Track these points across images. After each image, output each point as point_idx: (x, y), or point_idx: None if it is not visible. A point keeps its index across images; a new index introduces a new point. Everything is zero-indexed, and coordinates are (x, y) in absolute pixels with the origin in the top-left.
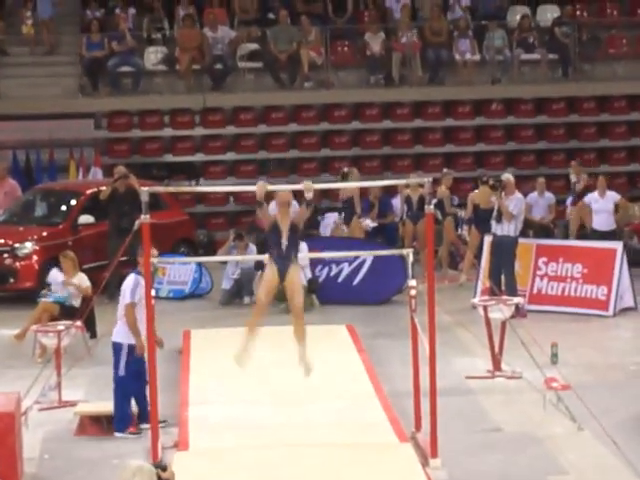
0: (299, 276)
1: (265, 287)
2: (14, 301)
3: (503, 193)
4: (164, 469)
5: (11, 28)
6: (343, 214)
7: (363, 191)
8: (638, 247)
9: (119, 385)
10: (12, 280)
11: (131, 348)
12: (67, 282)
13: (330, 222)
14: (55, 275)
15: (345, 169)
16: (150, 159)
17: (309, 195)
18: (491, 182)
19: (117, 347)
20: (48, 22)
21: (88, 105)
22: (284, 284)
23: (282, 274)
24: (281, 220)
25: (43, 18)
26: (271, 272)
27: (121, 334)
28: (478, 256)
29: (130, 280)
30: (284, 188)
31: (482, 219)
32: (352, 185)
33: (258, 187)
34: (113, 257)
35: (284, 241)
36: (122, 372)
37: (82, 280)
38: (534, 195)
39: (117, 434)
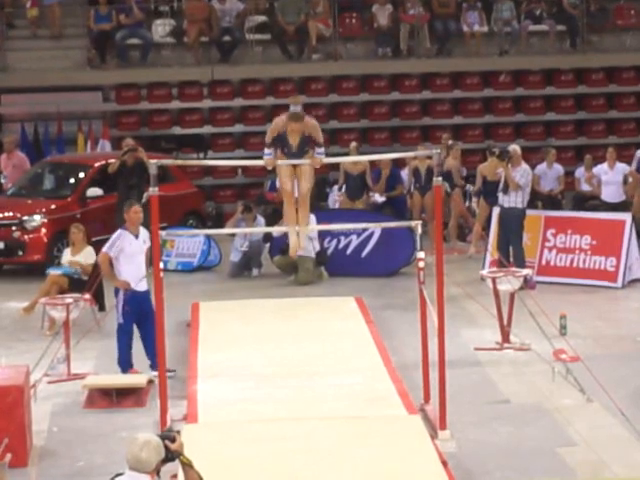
0: (311, 168)
1: (283, 179)
2: (23, 274)
3: (510, 164)
4: (172, 440)
5: (18, 1)
6: (344, 188)
7: (372, 163)
8: None
9: (118, 331)
10: (21, 253)
11: (128, 295)
12: (72, 262)
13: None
14: (65, 253)
15: (353, 143)
16: (158, 132)
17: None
18: (497, 152)
19: (115, 293)
20: (54, 6)
21: (96, 78)
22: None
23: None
24: (290, 135)
25: (49, 4)
26: (284, 168)
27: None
28: (486, 228)
29: (115, 233)
30: (292, 162)
31: (490, 191)
32: (362, 158)
33: (266, 163)
34: None
35: (293, 144)
36: (120, 319)
37: (88, 254)
38: (543, 166)
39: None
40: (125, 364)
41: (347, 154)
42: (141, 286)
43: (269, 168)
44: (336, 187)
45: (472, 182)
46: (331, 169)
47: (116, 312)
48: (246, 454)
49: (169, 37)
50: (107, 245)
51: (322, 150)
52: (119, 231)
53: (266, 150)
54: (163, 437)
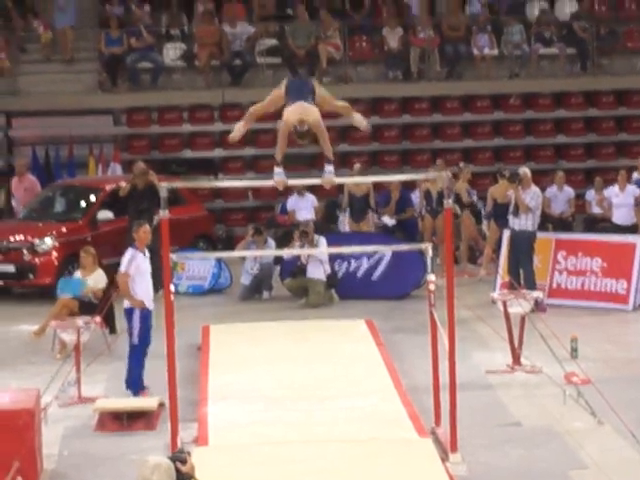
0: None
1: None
2: (34, 297)
3: (520, 187)
4: (184, 461)
5: (30, 25)
6: (349, 211)
7: (381, 185)
8: None
9: (133, 351)
10: (32, 276)
11: (143, 314)
12: (86, 290)
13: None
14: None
15: (357, 165)
16: (169, 155)
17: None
18: (507, 174)
19: (128, 313)
20: (66, 30)
21: (107, 101)
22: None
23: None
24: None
25: (60, 27)
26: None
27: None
28: (497, 250)
29: (127, 253)
30: (303, 182)
31: (500, 213)
32: (370, 180)
33: (277, 183)
34: None
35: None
36: (136, 340)
37: (99, 278)
38: (553, 189)
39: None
40: (138, 385)
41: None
42: (150, 304)
43: (280, 189)
44: (345, 211)
45: (482, 204)
46: (341, 192)
47: (130, 333)
48: (257, 477)
49: (180, 60)
50: (124, 265)
51: (331, 168)
52: (131, 250)
53: (276, 169)
54: (174, 459)
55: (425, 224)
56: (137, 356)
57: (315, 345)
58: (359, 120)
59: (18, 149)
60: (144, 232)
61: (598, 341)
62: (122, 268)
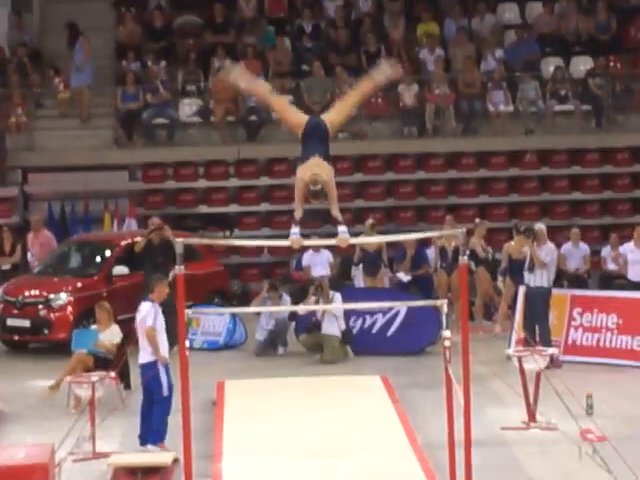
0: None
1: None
2: (49, 352)
3: (535, 243)
4: None
5: (46, 81)
6: (361, 266)
7: (396, 242)
8: None
9: (162, 404)
10: (47, 331)
11: (165, 367)
12: (98, 344)
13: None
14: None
15: (370, 220)
16: (185, 210)
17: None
18: (523, 230)
19: (151, 367)
20: (83, 89)
21: (123, 157)
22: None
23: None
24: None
25: (77, 87)
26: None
27: (144, 354)
28: (512, 307)
29: (147, 307)
30: (317, 243)
31: (516, 269)
32: (384, 239)
33: (292, 242)
34: None
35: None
36: (166, 392)
37: (114, 333)
38: (568, 246)
39: (150, 446)
40: (162, 436)
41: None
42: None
43: (295, 247)
44: (357, 266)
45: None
46: (355, 250)
47: (152, 387)
48: None
49: (196, 116)
50: (149, 320)
51: (345, 228)
52: (150, 304)
53: (293, 229)
54: None
55: (440, 280)
56: (165, 408)
57: (330, 401)
58: (384, 72)
59: (34, 204)
60: (165, 287)
61: (614, 398)
62: (149, 322)
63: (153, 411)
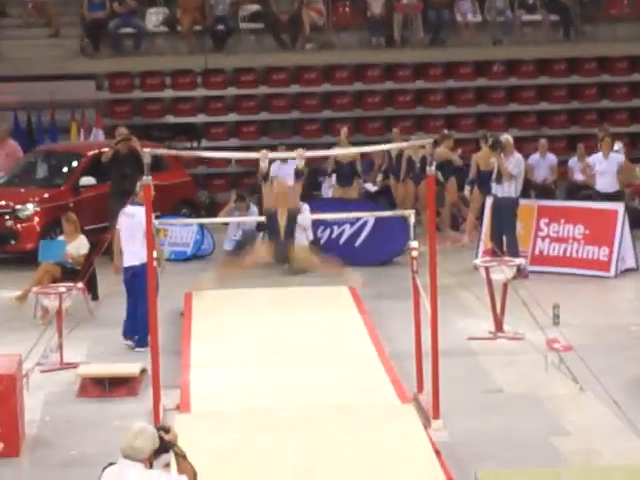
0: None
1: (253, 258)
2: (15, 263)
3: (502, 154)
4: (167, 431)
5: None
6: (335, 176)
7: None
8: (639, 208)
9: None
10: (13, 242)
11: None
12: (65, 254)
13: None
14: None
15: (344, 129)
16: (152, 120)
17: (300, 163)
18: (490, 142)
19: (142, 270)
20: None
21: (89, 66)
22: (292, 262)
23: (281, 255)
24: (279, 209)
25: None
26: (266, 248)
27: (140, 257)
28: (480, 217)
29: (142, 211)
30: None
31: (483, 180)
32: (350, 151)
33: (261, 159)
34: (114, 219)
35: (282, 230)
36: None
37: (81, 244)
38: (536, 156)
39: (139, 349)
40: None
41: (339, 142)
42: None
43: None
44: (330, 176)
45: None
46: (324, 160)
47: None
48: (239, 443)
49: (162, 26)
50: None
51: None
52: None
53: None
54: (158, 428)
55: (407, 190)
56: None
57: (298, 312)
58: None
59: None
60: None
61: (580, 308)
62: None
63: (138, 310)
